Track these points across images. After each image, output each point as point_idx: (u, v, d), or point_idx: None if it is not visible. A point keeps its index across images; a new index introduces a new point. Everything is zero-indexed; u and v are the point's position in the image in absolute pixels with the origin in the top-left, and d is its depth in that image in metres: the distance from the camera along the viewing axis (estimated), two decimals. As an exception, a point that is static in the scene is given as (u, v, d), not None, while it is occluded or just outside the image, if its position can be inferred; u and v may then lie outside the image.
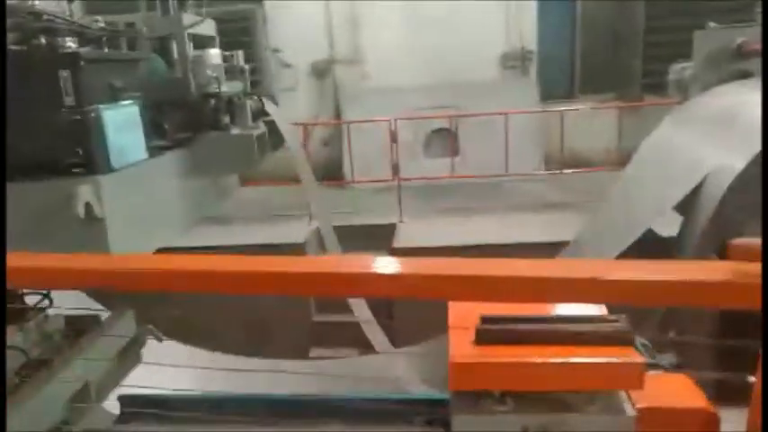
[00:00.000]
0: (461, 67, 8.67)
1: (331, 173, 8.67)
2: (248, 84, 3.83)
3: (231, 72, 3.84)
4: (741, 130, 3.64)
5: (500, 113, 7.54)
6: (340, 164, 8.80)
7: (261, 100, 3.54)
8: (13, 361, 2.47)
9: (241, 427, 2.27)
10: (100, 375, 3.29)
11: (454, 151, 8.70)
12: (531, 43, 8.69)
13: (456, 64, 8.65)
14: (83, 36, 2.79)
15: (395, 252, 5.93)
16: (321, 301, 6.22)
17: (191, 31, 3.47)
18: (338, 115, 9.10)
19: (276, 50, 9.01)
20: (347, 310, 5.84)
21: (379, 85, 8.91)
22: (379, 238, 6.26)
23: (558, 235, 5.42)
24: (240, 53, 3.89)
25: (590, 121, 8.62)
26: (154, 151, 3.02)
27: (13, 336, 2.53)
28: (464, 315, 1.77)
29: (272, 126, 4.11)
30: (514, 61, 8.75)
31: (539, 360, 1.59)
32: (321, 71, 9.08)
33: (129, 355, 3.63)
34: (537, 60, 8.76)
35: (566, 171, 7.75)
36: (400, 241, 6.08)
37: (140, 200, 2.83)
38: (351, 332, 5.97)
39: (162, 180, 3.05)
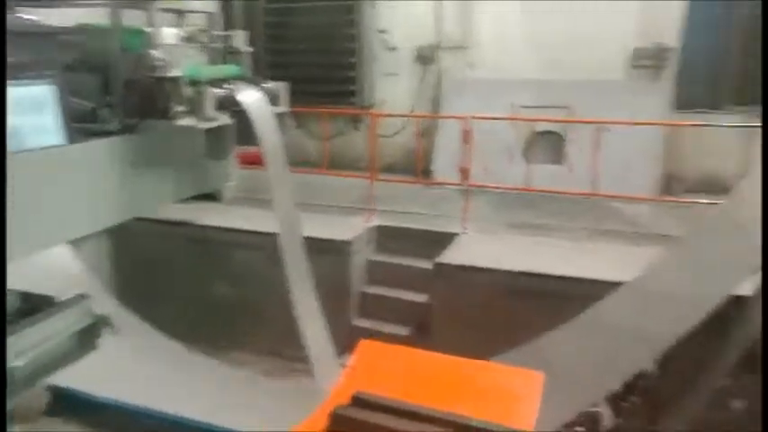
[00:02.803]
0: (583, 62, 7.52)
1: (423, 167, 8.06)
2: (247, 67, 3.38)
3: (231, 54, 3.42)
4: None
5: (615, 122, 6.36)
6: (433, 158, 8.17)
7: (235, 85, 3.06)
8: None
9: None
10: (39, 357, 3.13)
11: (558, 159, 7.65)
12: (672, 39, 7.25)
13: (576, 58, 7.52)
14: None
15: (438, 267, 5.23)
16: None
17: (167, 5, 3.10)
18: (437, 105, 8.42)
19: (382, 32, 8.53)
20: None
21: (486, 77, 8.07)
22: (436, 246, 5.60)
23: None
24: (240, 33, 3.43)
25: (735, 140, 7.08)
26: (79, 137, 2.70)
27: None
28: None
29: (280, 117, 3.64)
30: (647, 60, 7.39)
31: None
32: (426, 57, 8.44)
33: (80, 342, 3.45)
34: (677, 60, 7.31)
35: (684, 198, 6.39)
36: (449, 256, 5.36)
37: (47, 188, 2.53)
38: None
39: (85, 168, 2.73)
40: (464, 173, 6.04)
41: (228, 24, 4.00)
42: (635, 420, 3.13)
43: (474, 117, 5.95)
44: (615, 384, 3.11)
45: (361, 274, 6.08)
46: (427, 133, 8.40)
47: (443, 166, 7.77)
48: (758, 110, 7.14)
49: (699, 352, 2.84)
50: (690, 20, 7.28)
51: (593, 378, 3.25)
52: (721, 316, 2.82)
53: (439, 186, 7.43)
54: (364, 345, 2.39)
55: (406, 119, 8.30)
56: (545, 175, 7.19)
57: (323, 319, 4.62)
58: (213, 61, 3.35)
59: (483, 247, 5.53)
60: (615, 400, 3.20)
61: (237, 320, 6.19)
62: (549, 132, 7.64)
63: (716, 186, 6.76)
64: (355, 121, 8.76)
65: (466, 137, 5.87)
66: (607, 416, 3.15)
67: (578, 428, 3.14)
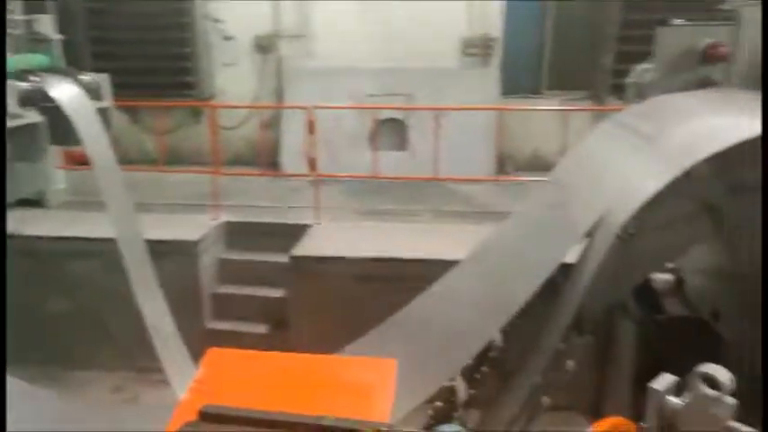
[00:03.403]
0: (420, 51, 7.81)
1: (269, 159, 7.90)
2: (59, 57, 3.03)
3: (37, 42, 3.05)
4: (663, 152, 2.84)
5: (451, 108, 6.69)
6: (279, 150, 8.04)
7: (39, 77, 2.73)
8: None
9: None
10: None
11: (402, 145, 7.92)
12: (496, 29, 7.79)
13: (413, 47, 7.79)
14: None
15: (292, 260, 5.17)
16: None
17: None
18: (281, 95, 8.29)
19: (217, 20, 8.18)
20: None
21: (329, 66, 8.08)
22: (289, 239, 5.51)
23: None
24: (46, 18, 3.07)
25: (559, 122, 7.79)
26: None
27: None
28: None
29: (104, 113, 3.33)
30: (475, 49, 7.88)
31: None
32: (265, 46, 8.24)
33: None
34: (501, 50, 7.87)
35: (518, 177, 6.94)
36: (304, 248, 5.32)
37: None
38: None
39: None
40: (311, 163, 6.01)
41: (34, 8, 3.55)
42: (486, 389, 3.33)
43: (317, 107, 5.92)
44: (466, 358, 3.28)
45: (212, 275, 5.83)
46: (273, 124, 8.25)
47: (291, 157, 7.69)
48: (572, 94, 8.02)
49: (537, 319, 3.08)
50: (509, 11, 7.86)
51: (445, 355, 3.42)
52: (553, 284, 3.07)
53: (287, 178, 7.34)
54: (212, 354, 2.28)
55: (250, 110, 8.08)
56: (391, 162, 7.38)
57: (174, 326, 4.37)
58: (18, 50, 2.97)
59: (336, 236, 5.56)
60: (468, 373, 3.38)
61: (79, 337, 5.64)
62: (393, 120, 7.86)
63: (542, 164, 7.44)
64: (195, 113, 8.35)
65: (310, 127, 5.83)
66: (462, 388, 3.32)
67: (437, 403, 3.28)
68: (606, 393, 3.95)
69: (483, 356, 3.46)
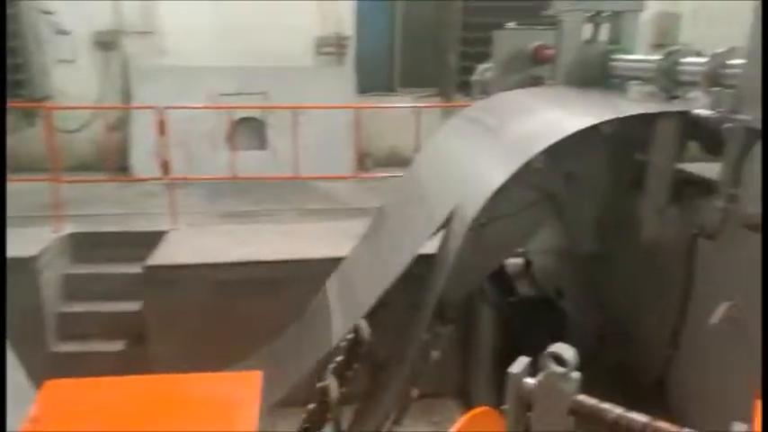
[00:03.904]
0: (276, 49, 7.69)
1: (118, 163, 7.36)
2: None
3: None
4: (506, 146, 3.04)
5: (315, 107, 6.68)
6: (128, 153, 7.52)
7: None
8: None
9: None
10: None
11: (262, 144, 7.77)
12: (348, 28, 7.89)
13: (268, 46, 7.66)
14: None
15: (147, 270, 4.87)
16: None
17: None
18: (128, 96, 7.75)
19: (47, 12, 7.45)
20: None
21: (180, 64, 7.70)
22: (144, 248, 5.16)
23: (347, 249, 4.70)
24: None
25: (414, 118, 8.06)
26: None
27: None
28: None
29: None
30: (329, 48, 7.93)
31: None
32: (107, 42, 7.66)
33: None
34: (354, 49, 7.99)
35: (377, 173, 7.09)
36: (159, 256, 5.02)
37: None
38: None
39: None
40: (164, 166, 5.69)
41: None
42: (359, 385, 3.38)
43: (168, 107, 5.62)
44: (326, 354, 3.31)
45: (56, 292, 5.32)
46: (120, 126, 7.70)
47: (142, 160, 7.23)
48: (423, 91, 8.35)
49: (403, 311, 3.18)
50: (360, 11, 8.00)
51: (310, 354, 3.43)
52: (416, 275, 3.17)
53: (142, 183, 6.90)
54: (49, 387, 2.04)
55: (94, 111, 7.47)
56: (251, 161, 7.22)
57: (13, 353, 3.94)
58: None
59: (196, 242, 5.32)
60: (340, 371, 3.40)
61: None
62: (250, 119, 7.68)
63: (399, 160, 7.67)
64: (29, 115, 7.53)
65: (161, 128, 5.52)
66: (334, 387, 3.34)
67: (311, 405, 3.27)
68: (471, 376, 4.18)
69: (353, 353, 3.51)
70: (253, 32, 7.63)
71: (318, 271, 4.47)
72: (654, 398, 2.87)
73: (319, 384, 3.35)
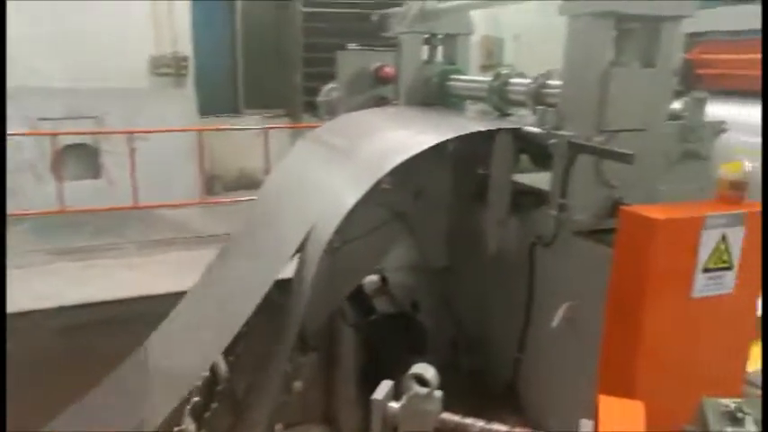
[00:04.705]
0: (107, 70, 7.13)
1: None
2: None
3: None
4: (356, 166, 3.05)
5: (152, 131, 6.27)
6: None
7: None
8: None
9: None
10: None
11: (95, 172, 7.16)
12: (186, 48, 7.56)
13: (100, 66, 7.09)
14: None
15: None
16: None
17: None
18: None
19: None
20: None
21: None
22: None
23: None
24: None
25: (262, 140, 7.91)
26: None
27: None
28: None
29: None
30: (166, 68, 7.54)
31: None
32: None
33: None
34: (194, 69, 7.67)
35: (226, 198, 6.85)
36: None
37: None
38: None
39: None
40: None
41: None
42: (220, 423, 3.19)
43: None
44: (181, 394, 3.09)
45: None
46: None
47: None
48: (271, 112, 8.23)
49: (262, 343, 3.05)
50: (198, 30, 7.71)
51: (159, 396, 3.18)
52: (274, 304, 3.07)
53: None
54: None
55: None
56: (84, 192, 6.63)
57: None
58: None
59: (24, 285, 4.72)
60: (198, 412, 3.19)
61: None
62: (80, 145, 7.04)
63: (250, 182, 7.47)
64: None
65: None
66: (192, 429, 3.12)
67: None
68: (337, 401, 4.13)
69: (210, 392, 3.31)
70: (81, 50, 7.02)
71: (170, 306, 4.19)
72: (507, 401, 3.02)
73: (176, 429, 3.11)
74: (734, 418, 1.29)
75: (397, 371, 1.84)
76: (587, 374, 2.36)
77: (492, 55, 8.96)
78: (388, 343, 3.61)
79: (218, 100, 8.07)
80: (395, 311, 3.88)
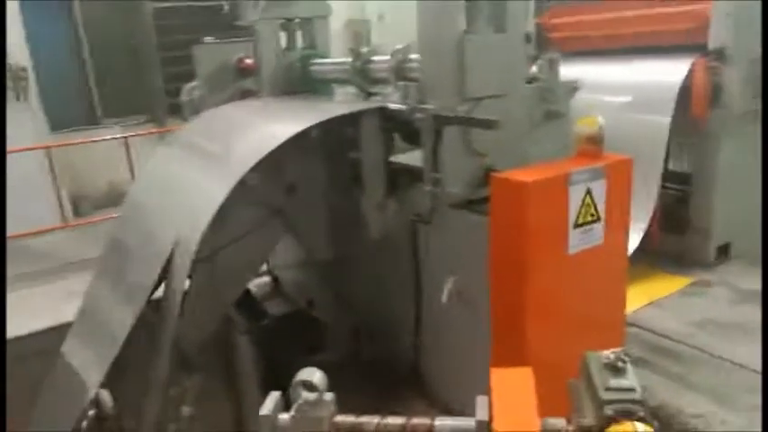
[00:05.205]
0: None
1: None
2: None
3: None
4: (221, 166, 2.86)
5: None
6: None
7: None
8: None
9: None
10: None
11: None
12: (23, 59, 6.82)
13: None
14: None
15: None
16: None
17: None
18: None
19: None
20: None
21: None
22: None
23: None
24: None
25: (122, 151, 7.36)
26: None
27: None
28: None
29: None
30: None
31: None
32: None
33: None
34: (37, 81, 6.95)
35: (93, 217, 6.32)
36: None
37: None
38: None
39: None
40: None
41: None
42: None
43: None
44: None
45: None
46: None
47: None
48: (132, 119, 7.67)
49: (141, 368, 2.80)
50: (34, 38, 6.96)
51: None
52: (150, 326, 2.82)
53: None
54: None
55: None
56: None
57: None
58: None
59: None
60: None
61: None
62: None
63: (121, 197, 6.92)
64: None
65: None
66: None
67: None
68: (243, 415, 3.94)
69: (99, 427, 3.02)
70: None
71: (46, 344, 3.80)
72: (413, 385, 2.99)
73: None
74: (615, 368, 1.30)
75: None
76: (483, 346, 2.36)
77: (359, 37, 8.91)
78: (285, 345, 3.48)
79: (71, 112, 7.38)
80: (287, 311, 3.75)
